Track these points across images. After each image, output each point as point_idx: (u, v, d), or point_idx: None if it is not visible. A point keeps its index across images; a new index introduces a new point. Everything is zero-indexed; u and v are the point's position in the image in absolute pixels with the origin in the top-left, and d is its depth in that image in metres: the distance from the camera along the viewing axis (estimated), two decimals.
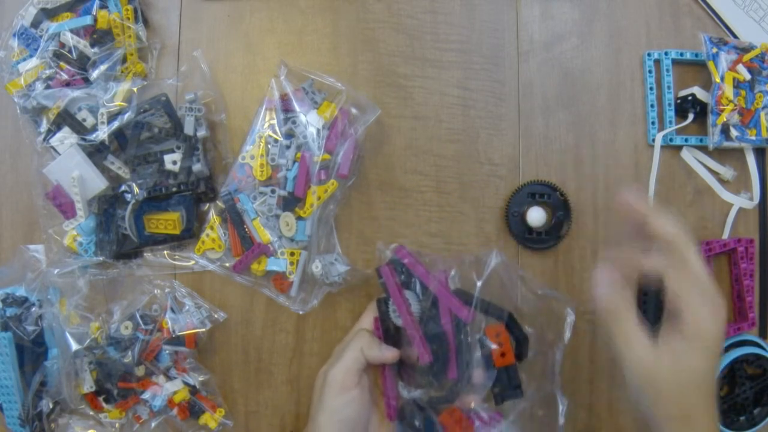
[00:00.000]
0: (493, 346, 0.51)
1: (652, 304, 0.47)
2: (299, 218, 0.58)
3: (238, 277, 0.60)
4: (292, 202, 0.58)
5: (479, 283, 0.52)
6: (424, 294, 0.54)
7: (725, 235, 0.63)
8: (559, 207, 0.61)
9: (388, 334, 0.55)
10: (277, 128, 0.58)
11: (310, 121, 0.57)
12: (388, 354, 0.53)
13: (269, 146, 0.58)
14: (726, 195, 0.63)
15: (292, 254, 0.58)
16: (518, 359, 0.53)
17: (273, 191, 0.58)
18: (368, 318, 0.57)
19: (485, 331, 0.52)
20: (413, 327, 0.53)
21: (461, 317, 0.52)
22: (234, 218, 0.59)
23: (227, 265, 0.60)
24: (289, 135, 0.58)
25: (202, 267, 0.60)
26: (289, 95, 0.58)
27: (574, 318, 0.54)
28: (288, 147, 0.57)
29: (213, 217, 0.60)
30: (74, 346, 0.57)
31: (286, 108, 0.58)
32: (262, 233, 0.58)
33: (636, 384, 0.44)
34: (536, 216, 0.59)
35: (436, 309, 0.54)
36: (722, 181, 0.63)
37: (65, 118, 0.57)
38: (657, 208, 0.45)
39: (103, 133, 0.57)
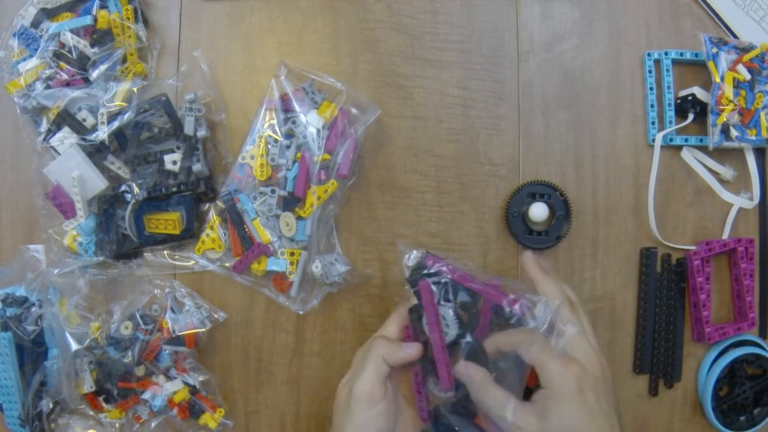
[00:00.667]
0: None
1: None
2: (299, 218, 0.58)
3: (238, 277, 0.60)
4: (292, 202, 0.58)
5: (541, 331, 0.50)
6: (467, 306, 0.53)
7: (725, 235, 0.63)
8: (559, 207, 0.61)
9: (419, 340, 0.53)
10: (277, 128, 0.58)
11: (310, 121, 0.57)
12: (412, 351, 0.51)
13: (269, 146, 0.58)
14: (726, 195, 0.63)
15: (292, 254, 0.58)
16: None
17: (273, 191, 0.58)
18: (394, 326, 0.55)
19: None
20: (441, 351, 0.51)
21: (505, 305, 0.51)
22: (234, 218, 0.59)
23: (227, 265, 0.60)
24: (289, 135, 0.58)
25: (202, 267, 0.60)
26: (289, 95, 0.58)
27: None
28: (288, 147, 0.57)
29: (213, 217, 0.60)
30: (74, 346, 0.57)
31: (286, 108, 0.58)
32: (262, 233, 0.58)
33: None
34: (538, 212, 0.59)
35: (476, 322, 0.52)
36: (722, 181, 0.63)
37: (65, 118, 0.57)
38: (545, 277, 0.52)
39: (103, 133, 0.57)
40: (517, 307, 0.50)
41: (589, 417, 0.45)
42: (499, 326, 0.52)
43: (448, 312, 0.52)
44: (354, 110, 0.59)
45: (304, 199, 0.57)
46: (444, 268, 0.53)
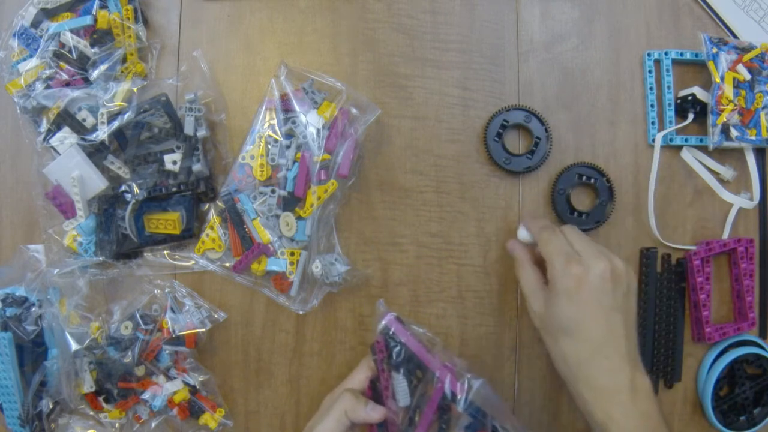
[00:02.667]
0: None
1: None
2: (299, 218, 0.58)
3: (238, 277, 0.60)
4: (292, 202, 0.58)
5: (460, 409, 0.53)
6: (414, 371, 0.54)
7: (725, 235, 0.63)
8: (603, 192, 0.61)
9: (379, 397, 0.55)
10: (277, 128, 0.58)
11: (310, 121, 0.57)
12: (375, 415, 0.53)
13: (269, 146, 0.58)
14: (726, 195, 0.63)
15: (292, 254, 0.58)
16: None
17: (273, 191, 0.58)
18: (361, 375, 0.56)
19: None
20: (393, 422, 0.54)
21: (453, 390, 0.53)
22: (234, 218, 0.59)
23: (227, 265, 0.60)
24: (289, 135, 0.58)
25: (202, 267, 0.60)
26: (289, 95, 0.58)
27: None
28: (288, 147, 0.57)
29: (213, 217, 0.60)
30: (74, 346, 0.57)
31: (286, 108, 0.58)
32: (262, 233, 0.58)
33: (540, 327, 0.53)
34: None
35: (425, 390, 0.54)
36: (722, 181, 0.63)
37: (65, 118, 0.57)
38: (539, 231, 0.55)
39: (103, 133, 0.57)
40: (455, 387, 0.53)
41: (582, 313, 0.49)
42: (449, 407, 0.54)
43: (399, 378, 0.54)
44: (354, 110, 0.59)
45: (304, 199, 0.57)
46: (403, 337, 0.55)
